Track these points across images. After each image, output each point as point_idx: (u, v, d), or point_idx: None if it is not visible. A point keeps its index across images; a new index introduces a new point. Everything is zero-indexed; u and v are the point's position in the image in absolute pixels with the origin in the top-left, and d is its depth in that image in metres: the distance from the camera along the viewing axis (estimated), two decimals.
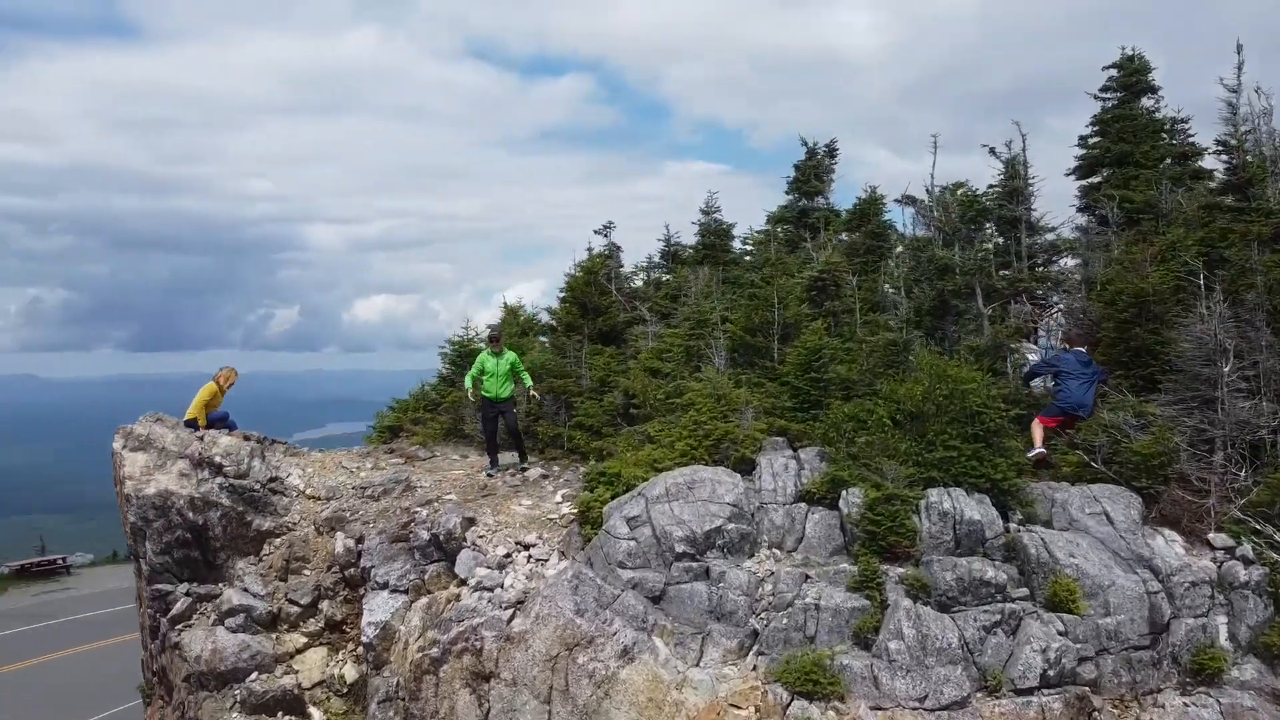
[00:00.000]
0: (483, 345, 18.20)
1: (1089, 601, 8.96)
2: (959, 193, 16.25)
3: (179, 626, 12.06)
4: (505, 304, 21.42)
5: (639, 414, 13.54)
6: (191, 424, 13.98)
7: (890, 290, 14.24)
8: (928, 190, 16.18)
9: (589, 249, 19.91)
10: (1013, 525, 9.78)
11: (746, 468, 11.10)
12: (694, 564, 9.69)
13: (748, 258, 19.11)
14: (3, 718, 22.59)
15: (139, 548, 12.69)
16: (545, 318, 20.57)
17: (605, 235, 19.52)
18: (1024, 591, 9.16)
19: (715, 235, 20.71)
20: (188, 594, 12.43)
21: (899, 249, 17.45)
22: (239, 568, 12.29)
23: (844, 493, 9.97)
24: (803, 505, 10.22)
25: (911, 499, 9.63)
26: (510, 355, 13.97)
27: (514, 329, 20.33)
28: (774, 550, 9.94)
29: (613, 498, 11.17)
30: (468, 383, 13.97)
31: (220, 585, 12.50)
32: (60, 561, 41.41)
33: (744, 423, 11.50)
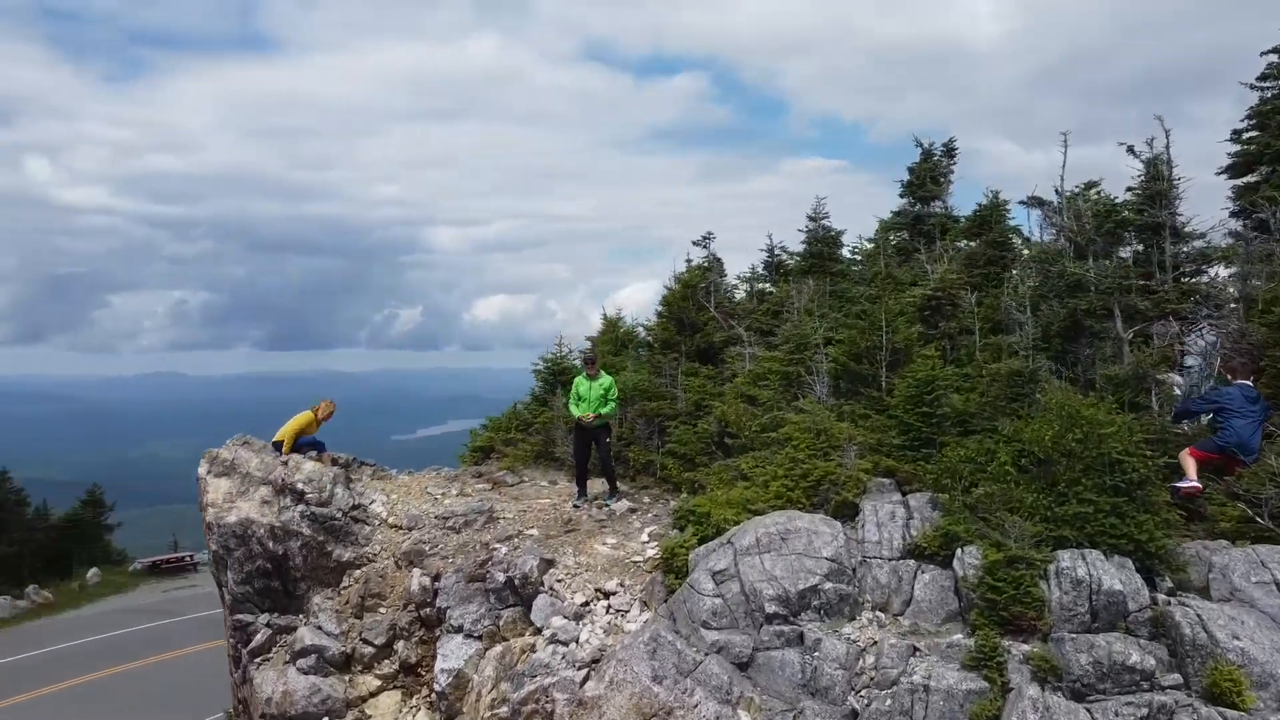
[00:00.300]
0: (576, 363, 17.60)
1: (1257, 693, 7.53)
2: (1092, 193, 14.64)
3: (257, 660, 11.79)
4: (604, 315, 20.76)
5: (734, 444, 12.59)
6: (277, 446, 13.78)
7: (1014, 308, 12.84)
8: (1057, 191, 14.65)
9: (688, 260, 19.03)
10: (1161, 596, 8.37)
11: (849, 513, 10.02)
12: (786, 627, 8.68)
13: (856, 268, 17.83)
14: (122, 715, 23.31)
15: (221, 576, 12.52)
16: (644, 331, 19.84)
17: (704, 246, 18.57)
18: (1176, 679, 7.78)
19: (823, 243, 19.47)
20: (268, 625, 12.17)
21: (1024, 252, 15.91)
22: (315, 603, 11.94)
23: (959, 551, 8.77)
24: (911, 562, 9.08)
25: (1039, 562, 8.36)
26: (605, 380, 13.27)
27: (612, 342, 19.65)
28: (877, 614, 8.83)
29: (701, 542, 10.28)
30: (572, 409, 13.39)
31: (300, 617, 12.21)
32: (189, 559, 43.09)
33: (846, 461, 10.41)
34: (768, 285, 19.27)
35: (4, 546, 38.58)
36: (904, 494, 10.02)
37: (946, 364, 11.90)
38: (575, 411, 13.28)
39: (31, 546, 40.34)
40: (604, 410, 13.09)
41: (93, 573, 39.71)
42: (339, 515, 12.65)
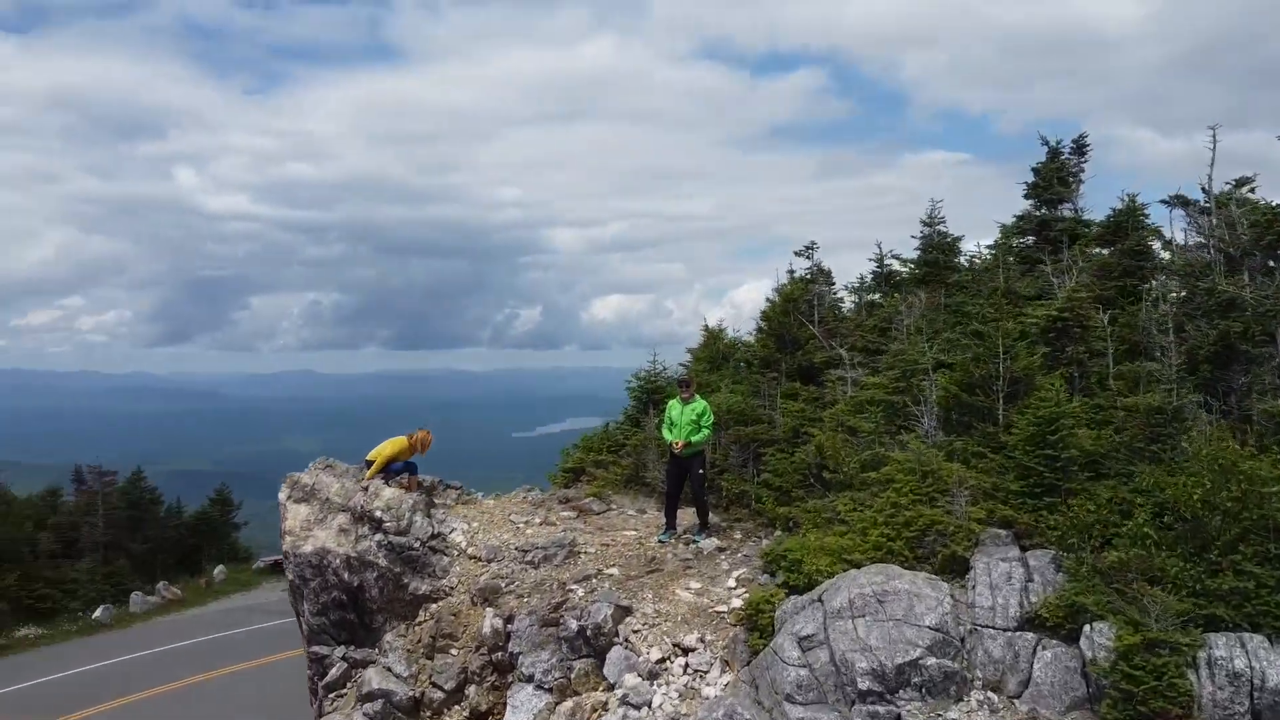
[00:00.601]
0: (672, 380, 16.78)
1: None
2: (1244, 191, 12.90)
3: (331, 695, 11.45)
4: (705, 327, 19.89)
5: (832, 479, 11.53)
6: (368, 464, 13.43)
7: (1154, 329, 11.33)
8: (1204, 190, 12.97)
9: (790, 271, 17.93)
10: None
11: (957, 568, 8.87)
12: (882, 707, 7.64)
13: (971, 278, 16.35)
14: (234, 715, 23.78)
15: (298, 606, 12.25)
16: (747, 342, 18.87)
17: (808, 256, 17.45)
18: None
19: (938, 250, 18.03)
20: (344, 659, 11.83)
21: (1163, 255, 14.20)
22: (387, 640, 11.51)
23: (1088, 626, 7.55)
24: (1030, 635, 7.88)
25: (1186, 647, 7.06)
26: (699, 404, 12.37)
27: (712, 356, 18.76)
28: (989, 695, 7.68)
29: (791, 589, 9.33)
30: (664, 433, 12.61)
31: (375, 650, 11.82)
32: None
33: (956, 508, 9.25)
34: (877, 296, 18.01)
35: (138, 544, 40.55)
36: (1023, 549, 8.80)
37: (1074, 395, 10.53)
38: (667, 436, 12.49)
39: (164, 544, 42.31)
40: (696, 438, 12.20)
41: (219, 570, 41.27)
42: (416, 545, 12.20)
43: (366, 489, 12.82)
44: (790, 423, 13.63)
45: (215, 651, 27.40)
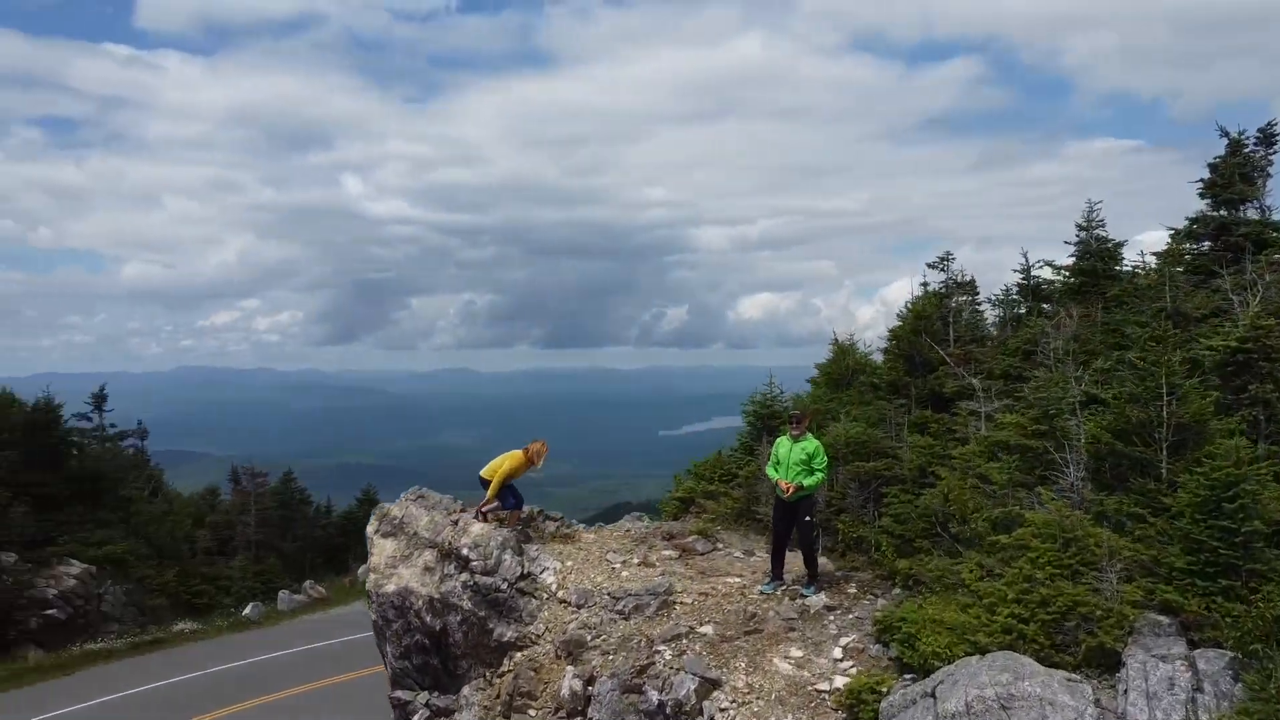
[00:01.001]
0: (786, 406, 15.49)
1: None
2: None
3: None
4: (835, 341, 18.48)
5: (959, 532, 10.06)
6: (484, 484, 12.79)
7: None
8: None
9: (923, 284, 16.24)
10: None
11: (1105, 663, 7.34)
12: None
13: (1133, 290, 14.23)
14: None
15: (382, 648, 11.77)
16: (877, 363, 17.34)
17: (942, 269, 15.73)
18: None
19: (1096, 257, 15.92)
20: (427, 705, 11.26)
21: None
22: (465, 694, 10.84)
23: None
24: None
25: None
26: (810, 443, 11.04)
27: (839, 373, 17.36)
28: None
29: (902, 670, 8.03)
30: (770, 472, 11.42)
31: (459, 698, 11.17)
32: None
33: (1105, 586, 7.70)
34: (1023, 308, 16.08)
35: (288, 543, 42.30)
36: (1190, 645, 7.18)
37: (1258, 448, 8.69)
38: (773, 476, 11.27)
39: (312, 543, 43.98)
40: (809, 482, 10.92)
41: (364, 569, 42.56)
42: (503, 586, 11.49)
43: (456, 522, 12.22)
44: (917, 460, 12.17)
45: (354, 653, 27.89)
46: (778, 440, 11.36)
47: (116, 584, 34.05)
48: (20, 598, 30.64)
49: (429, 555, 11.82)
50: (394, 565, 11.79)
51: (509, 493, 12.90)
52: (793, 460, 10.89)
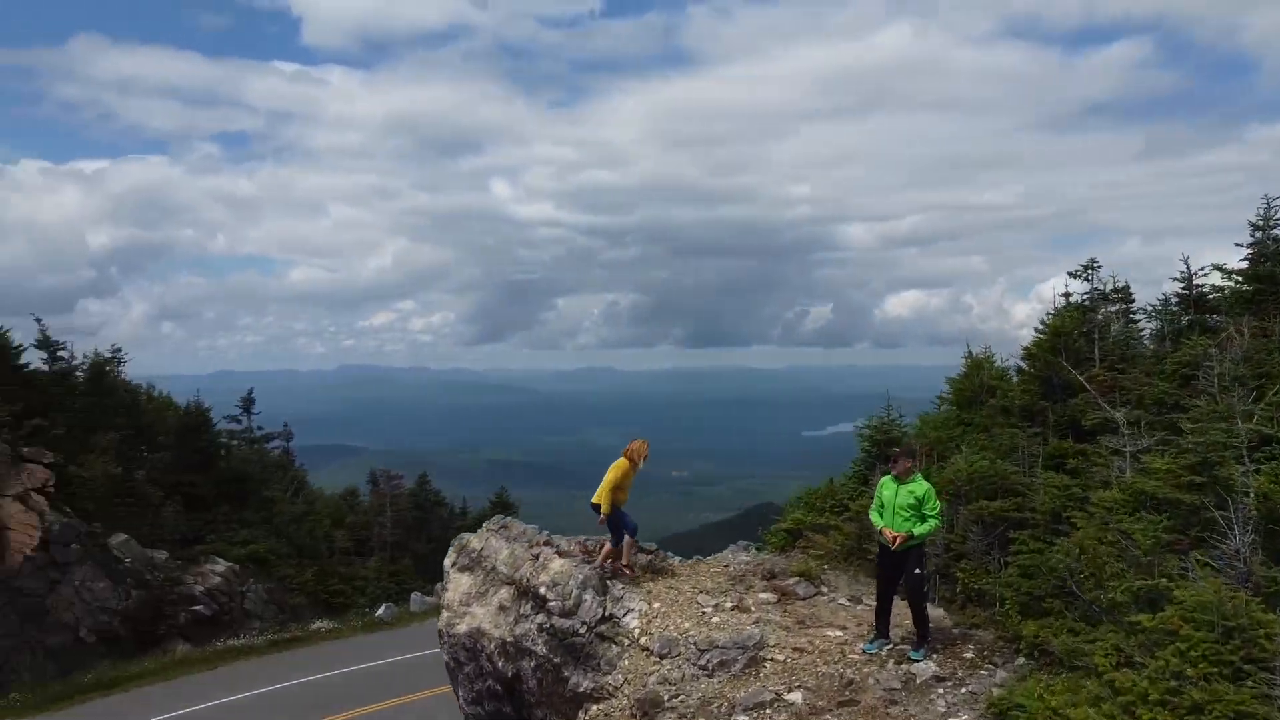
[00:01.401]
0: (905, 433, 14.07)
1: None
2: None
3: None
4: (969, 354, 16.85)
5: (1095, 598, 8.51)
6: (595, 508, 12.05)
7: None
8: None
9: (1065, 294, 14.41)
10: None
11: None
12: None
13: None
14: None
15: (455, 690, 11.15)
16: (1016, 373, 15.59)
17: (1087, 278, 13.87)
18: None
19: (1275, 261, 13.70)
20: None
21: None
22: None
23: None
24: None
25: None
26: (919, 486, 9.70)
27: (972, 390, 15.75)
28: None
29: None
30: (873, 516, 10.16)
31: None
32: None
33: (1278, 694, 6.14)
34: (1184, 320, 14.00)
35: (422, 544, 43.10)
36: None
37: None
38: (875, 521, 9.99)
39: (445, 544, 44.99)
40: (919, 531, 9.58)
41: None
42: (582, 630, 10.66)
43: (537, 557, 11.47)
44: (1050, 502, 10.59)
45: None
46: (882, 480, 10.06)
47: (258, 582, 35.43)
48: (170, 594, 32.23)
49: (505, 593, 11.12)
50: (468, 603, 11.16)
51: (621, 519, 12.02)
52: (899, 505, 9.58)
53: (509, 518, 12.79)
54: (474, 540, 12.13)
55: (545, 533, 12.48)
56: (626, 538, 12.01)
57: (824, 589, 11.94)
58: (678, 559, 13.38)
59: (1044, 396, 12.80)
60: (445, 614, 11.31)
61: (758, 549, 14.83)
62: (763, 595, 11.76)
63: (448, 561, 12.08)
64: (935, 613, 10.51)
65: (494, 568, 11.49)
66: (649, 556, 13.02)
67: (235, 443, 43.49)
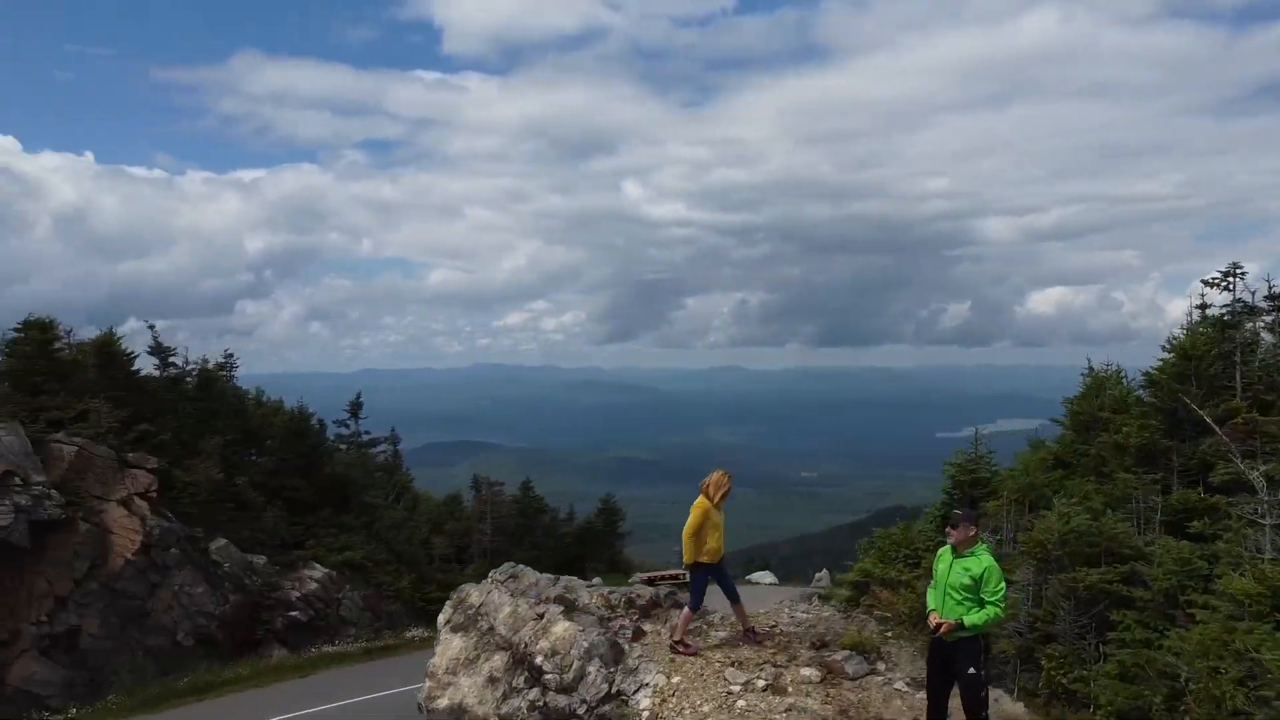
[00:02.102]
0: (994, 473, 11.84)
1: None
2: None
3: None
4: (1089, 370, 14.44)
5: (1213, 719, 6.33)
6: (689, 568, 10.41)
7: None
8: None
9: (1200, 305, 11.81)
10: None
11: None
12: None
13: None
14: None
15: None
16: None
17: (1227, 287, 11.25)
18: None
19: None
20: None
21: None
22: None
23: None
24: None
25: None
26: (980, 560, 7.59)
27: (1090, 413, 13.33)
28: None
29: None
30: (929, 596, 8.14)
31: None
32: (683, 577, 42.89)
33: None
34: None
35: (525, 551, 42.28)
36: None
37: None
38: (930, 601, 7.96)
39: (548, 551, 43.83)
40: (973, 619, 7.51)
41: (595, 581, 41.80)
42: (581, 711, 9.08)
43: (541, 616, 9.93)
44: (1166, 578, 8.31)
45: None
46: (939, 551, 8.01)
47: (355, 589, 35.42)
48: (268, 598, 32.38)
49: (499, 660, 9.65)
50: (455, 671, 9.75)
51: (703, 577, 10.23)
52: (950, 583, 7.53)
53: (521, 566, 11.29)
54: (474, 593, 10.71)
55: (560, 583, 10.93)
56: (686, 610, 10.18)
57: (880, 666, 9.94)
58: (718, 616, 11.59)
59: (1168, 434, 10.38)
60: (427, 683, 9.93)
61: (823, 597, 12.90)
62: (805, 671, 9.86)
63: (441, 618, 10.71)
64: (1013, 708, 8.43)
65: (491, 628, 10.04)
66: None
67: (343, 447, 43.91)
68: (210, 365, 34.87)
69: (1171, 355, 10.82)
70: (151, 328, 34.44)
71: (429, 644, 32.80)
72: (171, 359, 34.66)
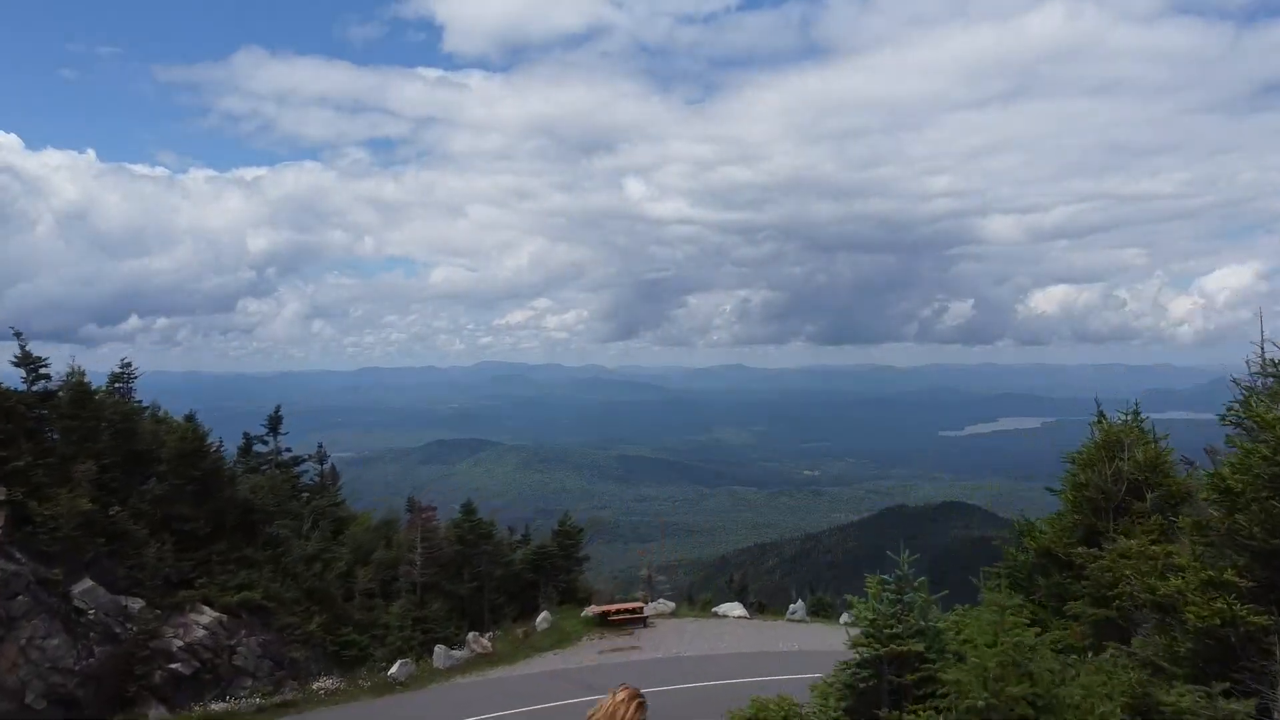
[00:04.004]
0: (930, 628, 7.24)
1: None
2: None
3: None
4: (1099, 418, 9.87)
5: None
6: None
7: None
8: None
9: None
10: None
11: None
12: None
13: None
14: None
15: None
16: None
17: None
18: None
19: None
20: None
21: None
22: None
23: None
24: None
25: None
26: None
27: (1103, 491, 8.70)
28: None
29: None
30: None
31: None
32: (638, 610, 38.03)
33: None
34: None
35: (465, 583, 37.14)
36: None
37: None
38: None
39: (493, 583, 38.42)
40: None
41: (543, 617, 36.91)
42: None
43: None
44: None
45: None
46: None
47: (253, 633, 30.87)
48: (145, 648, 27.99)
49: None
50: None
51: None
52: None
53: None
54: None
55: None
56: None
57: None
58: None
59: (1248, 571, 5.74)
60: None
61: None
62: None
63: None
64: None
65: None
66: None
67: (261, 466, 39.27)
68: (86, 377, 30.18)
69: (1241, 426, 6.18)
70: (19, 335, 29.68)
71: (339, 698, 27.98)
72: (43, 371, 29.95)
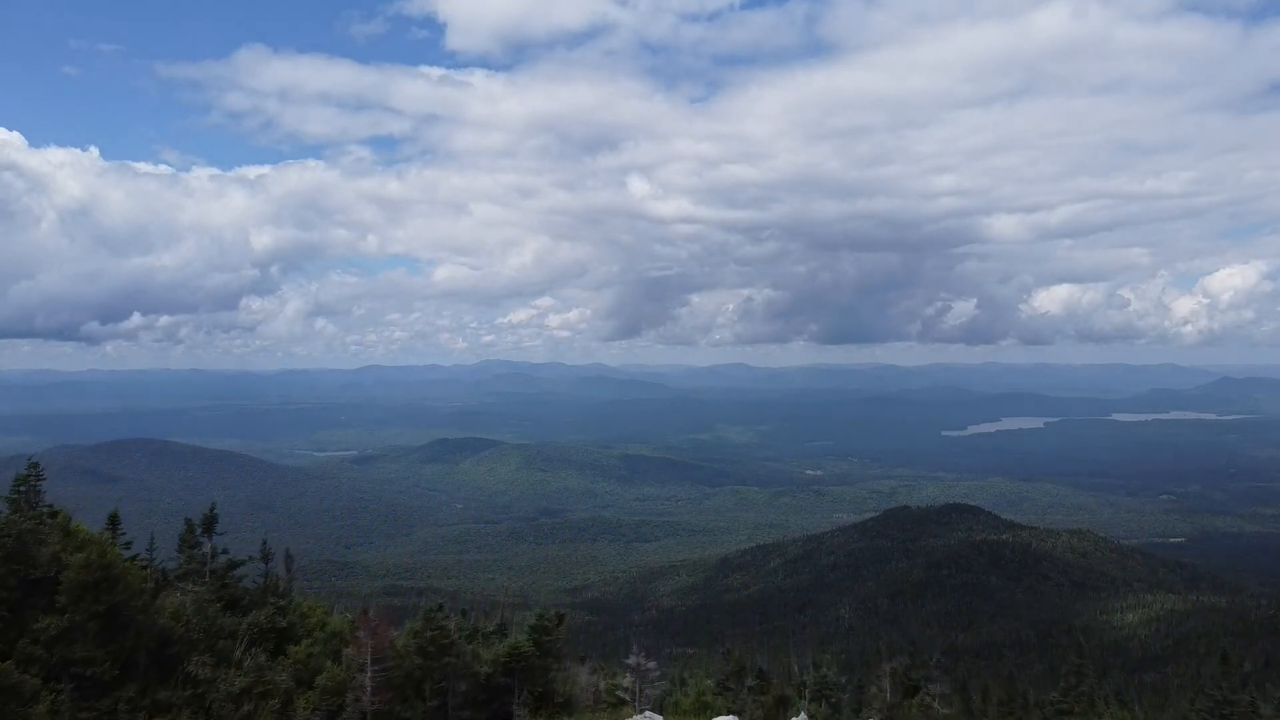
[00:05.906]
0: None
1: None
2: None
3: None
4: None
5: None
6: None
7: None
8: None
9: None
10: None
11: None
12: None
13: None
14: None
15: None
16: None
17: None
18: None
19: None
20: None
21: None
22: None
23: None
24: None
25: None
26: None
27: None
28: None
29: None
30: None
31: None
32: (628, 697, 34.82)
33: None
34: None
35: (426, 701, 31.16)
36: None
37: None
38: None
39: (459, 698, 32.34)
40: None
41: None
42: None
43: None
44: None
45: None
46: None
47: None
48: None
49: None
50: None
51: None
52: None
53: None
54: None
55: None
56: None
57: None
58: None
59: None
60: None
61: None
62: None
63: None
64: None
65: None
66: None
67: (186, 580, 32.52)
68: None
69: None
70: None
71: None
72: None
